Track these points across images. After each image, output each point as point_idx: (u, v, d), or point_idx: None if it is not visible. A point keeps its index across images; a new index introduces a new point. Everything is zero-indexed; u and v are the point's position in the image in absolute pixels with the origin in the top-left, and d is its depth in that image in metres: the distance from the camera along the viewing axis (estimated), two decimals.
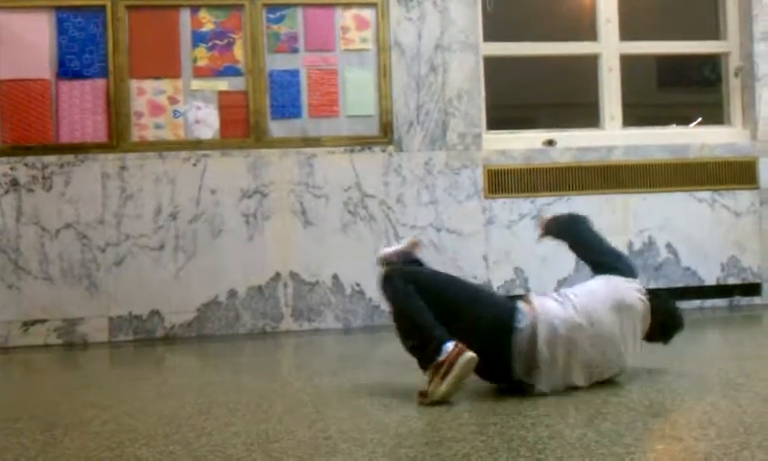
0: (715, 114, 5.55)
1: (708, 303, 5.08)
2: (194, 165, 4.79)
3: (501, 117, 5.48)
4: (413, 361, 3.70)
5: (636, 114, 5.51)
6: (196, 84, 4.85)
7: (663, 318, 3.07)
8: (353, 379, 3.33)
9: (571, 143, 5.13)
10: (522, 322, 2.80)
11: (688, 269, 5.09)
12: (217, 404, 2.91)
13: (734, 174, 5.14)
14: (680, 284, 5.06)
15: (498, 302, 2.99)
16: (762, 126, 5.18)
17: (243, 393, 3.12)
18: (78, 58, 4.76)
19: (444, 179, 4.93)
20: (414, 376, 3.41)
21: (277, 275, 4.81)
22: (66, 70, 4.76)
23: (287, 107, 4.89)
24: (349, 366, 3.56)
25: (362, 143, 4.90)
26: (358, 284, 4.76)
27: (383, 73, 4.93)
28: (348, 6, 4.94)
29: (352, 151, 4.89)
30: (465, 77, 4.98)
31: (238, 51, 4.86)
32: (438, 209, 4.90)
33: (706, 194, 5.11)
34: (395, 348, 3.98)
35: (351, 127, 4.92)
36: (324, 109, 4.92)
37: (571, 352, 2.81)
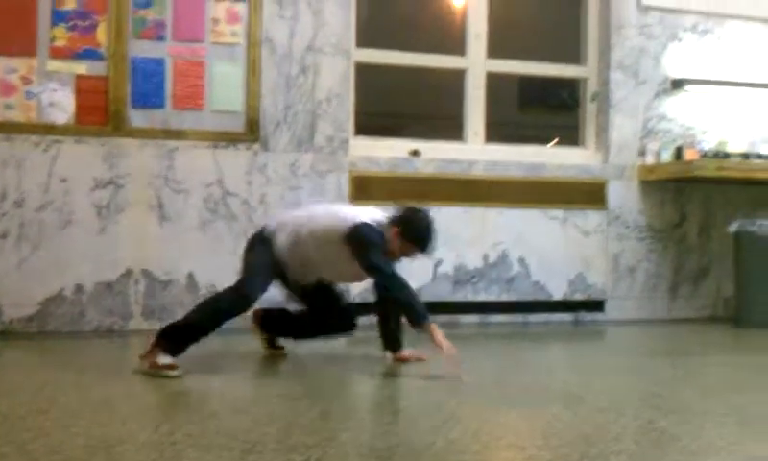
0: (571, 136, 5.81)
1: (555, 317, 5.31)
2: (45, 150, 4.52)
3: (369, 124, 5.50)
4: (267, 364, 3.67)
5: (497, 131, 5.68)
6: (52, 64, 4.59)
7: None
8: (205, 382, 3.24)
9: (435, 155, 5.22)
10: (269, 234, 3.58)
11: (537, 283, 5.29)
12: (57, 405, 2.75)
13: (585, 194, 5.39)
14: (529, 298, 5.26)
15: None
16: (614, 150, 5.46)
17: (85, 393, 2.97)
18: None
19: (310, 182, 4.90)
20: (266, 379, 3.36)
21: (129, 271, 4.62)
22: None
23: (150, 96, 4.71)
24: (201, 368, 3.46)
25: (227, 139, 4.79)
26: (214, 285, 4.61)
27: (252, 69, 4.85)
28: None
29: (216, 147, 4.77)
30: (335, 80, 4.97)
31: (101, 34, 4.64)
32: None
33: (558, 212, 5.33)
34: (249, 349, 3.91)
35: (217, 122, 4.80)
36: (188, 102, 4.77)
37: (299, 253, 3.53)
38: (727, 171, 5.19)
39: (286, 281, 3.69)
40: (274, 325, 3.87)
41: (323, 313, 3.79)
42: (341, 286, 3.95)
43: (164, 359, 3.29)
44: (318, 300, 3.76)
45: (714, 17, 5.66)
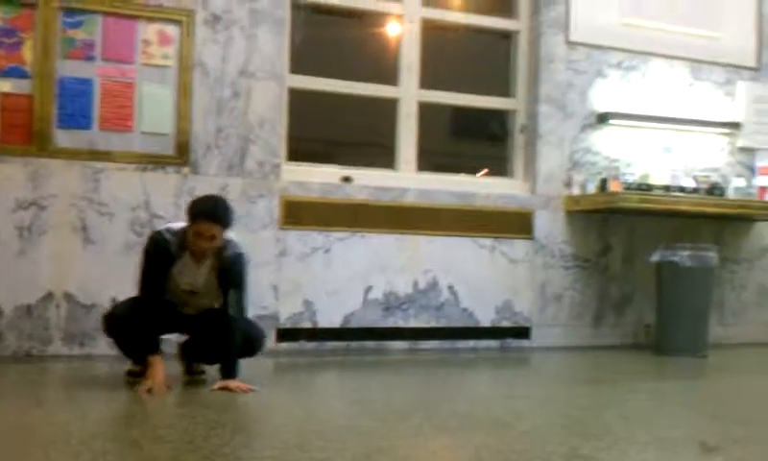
0: (500, 167, 5.91)
1: (483, 343, 5.36)
2: None
3: (302, 149, 5.50)
4: (196, 391, 3.59)
5: (429, 160, 5.74)
6: None
7: None
8: (126, 409, 3.16)
9: (367, 182, 5.24)
10: None
11: (466, 310, 5.34)
12: None
13: (513, 224, 5.48)
14: (458, 324, 5.30)
15: None
16: (541, 181, 5.57)
17: (2, 420, 2.86)
18: None
19: (240, 206, 4.83)
20: (187, 407, 3.30)
21: (50, 294, 4.48)
22: None
23: (76, 116, 4.62)
24: (122, 395, 3.37)
25: (155, 162, 4.72)
26: None
27: (183, 92, 4.80)
28: (151, 20, 4.77)
29: (144, 169, 4.69)
30: (268, 105, 4.96)
31: (27, 52, 4.53)
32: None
33: (487, 241, 5.40)
34: (169, 376, 3.81)
35: (145, 144, 4.72)
36: (116, 123, 4.69)
37: None
38: (649, 203, 5.35)
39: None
40: (191, 351, 3.80)
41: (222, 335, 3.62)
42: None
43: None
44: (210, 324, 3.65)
45: (639, 55, 5.86)
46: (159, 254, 3.51)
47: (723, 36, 6.08)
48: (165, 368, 3.49)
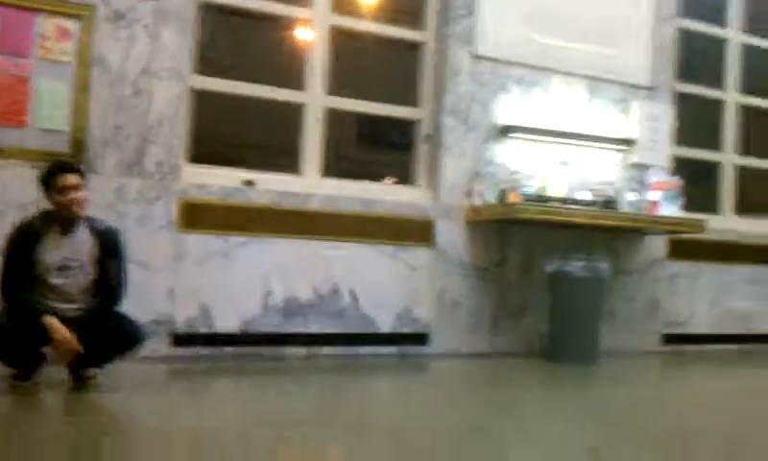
0: (404, 175, 5.98)
1: (383, 350, 5.41)
2: None
3: (205, 151, 5.43)
4: (84, 397, 3.49)
5: (335, 166, 5.76)
6: None
7: None
8: (8, 414, 3.06)
9: (271, 186, 5.22)
10: None
11: (367, 317, 5.37)
12: None
13: (415, 231, 5.55)
14: (358, 330, 5.33)
15: None
16: (443, 191, 5.66)
17: None
18: None
19: (137, 207, 4.75)
20: (77, 415, 3.22)
21: None
22: None
23: None
24: (5, 400, 3.27)
25: (50, 159, 4.56)
26: None
27: (81, 88, 4.67)
28: (51, 14, 4.63)
29: (38, 166, 4.53)
30: (169, 105, 4.87)
31: None
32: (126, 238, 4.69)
33: (389, 247, 5.45)
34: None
35: (40, 140, 4.58)
36: (9, 118, 4.53)
37: None
38: (547, 214, 5.50)
39: None
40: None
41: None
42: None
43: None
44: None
45: (540, 71, 6.02)
46: (21, 234, 3.69)
47: (620, 55, 6.32)
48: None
